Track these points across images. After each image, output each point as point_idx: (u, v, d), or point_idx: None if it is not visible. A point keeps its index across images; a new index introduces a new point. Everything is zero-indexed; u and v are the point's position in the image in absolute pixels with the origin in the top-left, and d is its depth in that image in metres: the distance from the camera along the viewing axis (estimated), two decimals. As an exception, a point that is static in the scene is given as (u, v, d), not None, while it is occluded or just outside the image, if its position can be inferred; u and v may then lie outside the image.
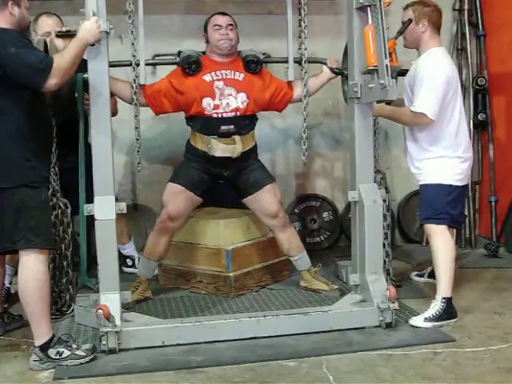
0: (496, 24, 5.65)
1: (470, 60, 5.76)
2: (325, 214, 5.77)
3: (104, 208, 3.54)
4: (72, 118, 4.04)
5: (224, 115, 4.19)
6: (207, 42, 4.30)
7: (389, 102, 4.02)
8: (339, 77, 4.40)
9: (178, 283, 4.59)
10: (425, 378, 3.08)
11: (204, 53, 4.33)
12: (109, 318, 3.39)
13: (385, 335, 3.61)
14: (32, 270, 3.23)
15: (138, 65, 3.98)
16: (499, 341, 3.51)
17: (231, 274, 4.37)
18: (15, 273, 4.43)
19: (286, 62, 4.45)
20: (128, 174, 5.35)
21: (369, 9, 3.54)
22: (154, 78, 5.28)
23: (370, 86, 3.57)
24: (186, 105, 4.24)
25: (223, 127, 4.20)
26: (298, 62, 4.33)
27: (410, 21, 3.92)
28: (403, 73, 4.09)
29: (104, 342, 3.40)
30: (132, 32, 3.89)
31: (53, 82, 3.12)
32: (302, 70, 4.28)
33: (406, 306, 4.02)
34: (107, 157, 3.57)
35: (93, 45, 3.38)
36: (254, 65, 4.28)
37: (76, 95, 3.98)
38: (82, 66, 3.62)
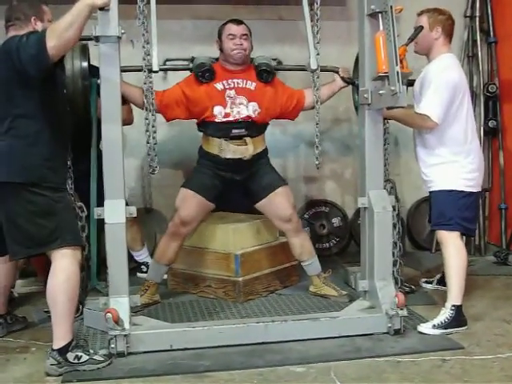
0: (507, 31, 5.65)
1: (480, 67, 5.75)
2: (334, 220, 5.77)
3: (114, 212, 3.55)
4: (84, 123, 4.03)
5: (235, 121, 4.24)
6: (221, 49, 4.31)
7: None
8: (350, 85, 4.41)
9: (187, 287, 4.59)
10: (433, 386, 3.08)
11: (217, 59, 4.35)
12: (118, 321, 3.40)
13: (393, 342, 3.60)
14: (66, 271, 3.27)
15: (150, 71, 3.91)
16: (508, 349, 3.49)
17: (240, 279, 4.37)
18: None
19: (298, 69, 4.51)
20: (139, 177, 5.35)
21: (380, 15, 3.54)
22: (164, 84, 5.31)
23: (381, 92, 3.57)
24: (197, 113, 4.28)
25: (234, 131, 4.25)
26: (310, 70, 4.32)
27: (422, 28, 3.92)
28: (412, 83, 4.11)
29: (113, 346, 3.41)
30: (143, 35, 3.91)
31: (50, 44, 3.01)
32: (313, 78, 4.25)
33: (415, 313, 4.01)
34: (118, 161, 3.58)
35: (102, 9, 3.26)
36: (266, 74, 4.31)
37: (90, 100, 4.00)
38: (95, 72, 3.64)
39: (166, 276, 4.68)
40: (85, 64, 3.84)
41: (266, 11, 5.46)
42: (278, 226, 4.50)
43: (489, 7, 5.75)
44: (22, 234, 3.26)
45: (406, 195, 5.86)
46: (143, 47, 3.91)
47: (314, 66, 3.97)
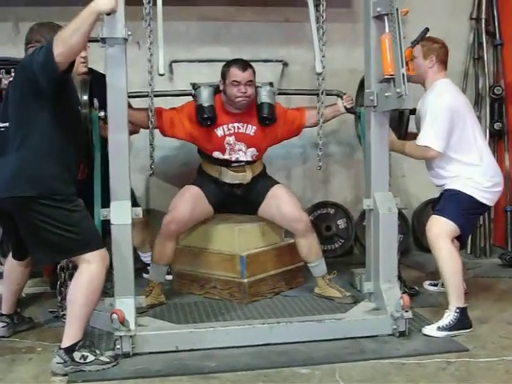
0: (513, 33, 5.64)
1: (486, 69, 5.74)
2: (339, 222, 5.77)
3: (120, 213, 3.55)
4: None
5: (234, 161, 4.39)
6: (224, 91, 4.27)
7: (400, 136, 4.17)
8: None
9: (193, 289, 4.60)
10: (437, 388, 3.08)
11: (218, 87, 4.31)
12: (123, 322, 3.41)
13: (398, 344, 3.60)
14: (90, 274, 3.27)
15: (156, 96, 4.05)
16: (513, 351, 3.50)
17: (245, 280, 4.38)
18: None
19: (301, 94, 4.69)
20: (143, 178, 5.36)
21: (386, 17, 3.54)
22: (171, 84, 5.32)
23: (387, 94, 3.58)
24: (196, 143, 4.43)
25: (234, 164, 4.39)
26: (315, 94, 4.40)
27: (427, 30, 3.93)
28: (414, 112, 4.18)
29: (118, 346, 3.41)
30: (149, 37, 3.92)
31: (56, 52, 3.02)
32: (318, 102, 4.37)
33: (420, 315, 4.00)
34: (124, 162, 3.58)
35: (109, 14, 3.24)
36: (267, 121, 4.35)
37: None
38: (100, 80, 3.64)
39: (171, 277, 4.71)
40: (85, 97, 3.77)
41: (273, 13, 5.45)
42: (287, 228, 4.51)
43: (495, 9, 5.73)
44: (47, 245, 3.26)
45: (411, 197, 5.86)
46: (149, 49, 3.93)
47: (319, 70, 3.97)
